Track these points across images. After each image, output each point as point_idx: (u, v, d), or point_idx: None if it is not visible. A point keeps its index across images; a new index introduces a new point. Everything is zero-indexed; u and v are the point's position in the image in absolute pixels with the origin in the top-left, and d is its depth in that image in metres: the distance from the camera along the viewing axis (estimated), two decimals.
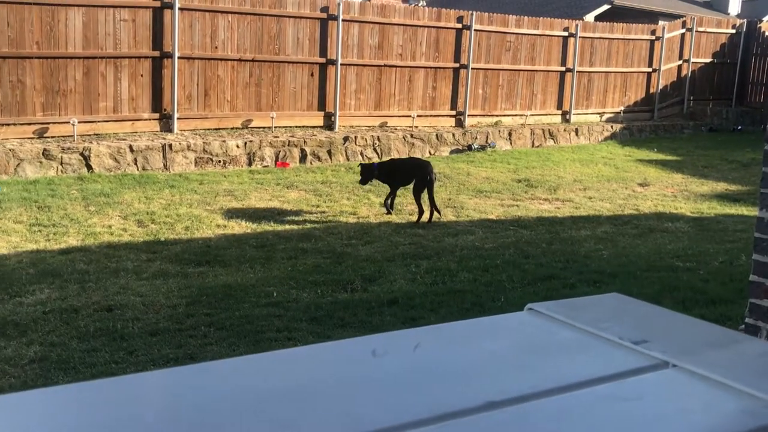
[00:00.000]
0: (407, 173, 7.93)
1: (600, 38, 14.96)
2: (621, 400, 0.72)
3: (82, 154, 9.22)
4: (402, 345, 0.76)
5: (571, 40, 14.39)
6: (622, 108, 15.52)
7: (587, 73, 14.82)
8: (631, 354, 0.81)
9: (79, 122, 9.63)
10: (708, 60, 17.15)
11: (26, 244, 6.35)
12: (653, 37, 15.82)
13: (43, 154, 9.02)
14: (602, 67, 15.06)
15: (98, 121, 9.92)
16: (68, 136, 9.60)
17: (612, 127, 14.83)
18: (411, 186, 7.90)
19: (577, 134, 14.15)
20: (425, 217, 7.69)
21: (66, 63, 9.62)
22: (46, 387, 0.81)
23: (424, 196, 7.71)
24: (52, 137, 9.54)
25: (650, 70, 15.89)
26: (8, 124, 9.32)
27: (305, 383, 0.62)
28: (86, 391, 0.73)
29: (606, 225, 7.93)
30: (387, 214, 7.96)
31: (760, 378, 0.80)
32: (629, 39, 15.43)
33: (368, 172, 8.07)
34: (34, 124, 9.49)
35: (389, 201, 8.02)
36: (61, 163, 9.09)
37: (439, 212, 7.86)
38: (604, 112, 15.28)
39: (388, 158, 9.56)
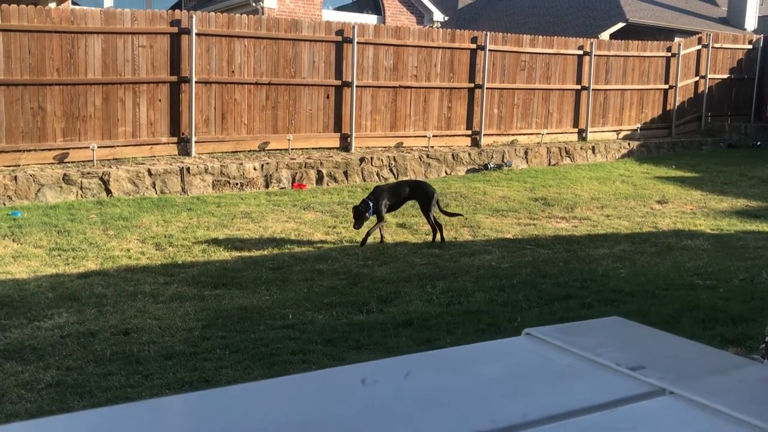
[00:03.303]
0: (401, 196, 7.84)
1: (615, 56, 14.93)
2: (614, 430, 0.70)
3: (101, 179, 9.33)
4: (393, 373, 0.75)
5: (586, 58, 14.38)
6: (639, 125, 15.45)
7: (603, 90, 14.79)
8: (627, 380, 0.80)
9: (98, 147, 9.76)
10: (725, 76, 17.05)
11: (46, 269, 6.42)
12: (669, 54, 15.77)
13: (63, 179, 9.14)
14: (618, 85, 15.03)
15: (117, 146, 10.05)
16: (88, 161, 9.72)
17: (629, 144, 14.75)
18: (418, 205, 7.91)
19: (593, 152, 14.09)
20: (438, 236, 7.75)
21: (86, 89, 9.77)
22: (60, 414, 0.81)
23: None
24: (72, 162, 9.67)
25: (667, 86, 15.82)
26: (29, 150, 9.47)
27: (290, 415, 0.62)
28: (100, 418, 0.73)
29: (624, 243, 7.86)
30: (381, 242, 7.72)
31: (760, 405, 0.78)
32: (645, 56, 15.39)
33: (363, 212, 7.56)
34: (54, 149, 9.64)
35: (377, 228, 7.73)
36: (81, 188, 9.21)
37: (438, 228, 7.79)
38: (620, 130, 15.21)
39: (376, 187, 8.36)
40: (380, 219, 7.62)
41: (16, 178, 8.90)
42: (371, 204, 7.51)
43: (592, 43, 14.53)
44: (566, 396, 0.78)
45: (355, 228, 7.58)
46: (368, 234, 7.55)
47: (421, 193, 7.78)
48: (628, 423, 0.73)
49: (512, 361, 0.84)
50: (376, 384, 0.70)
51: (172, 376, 4.19)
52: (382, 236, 7.77)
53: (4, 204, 8.74)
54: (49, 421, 0.77)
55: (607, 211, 9.64)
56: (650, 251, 7.50)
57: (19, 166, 9.34)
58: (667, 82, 15.80)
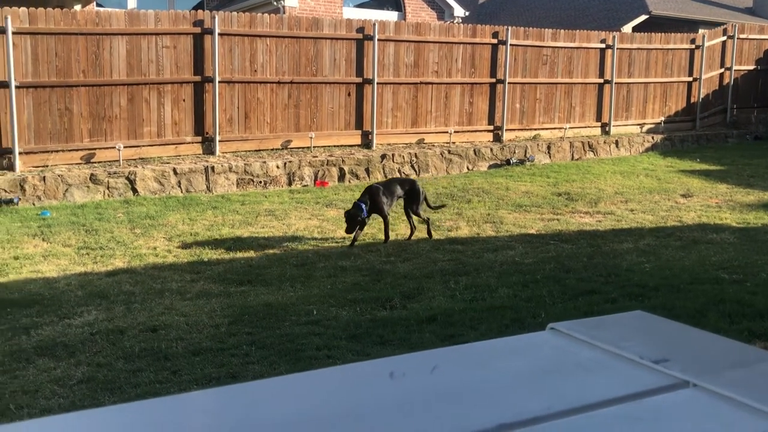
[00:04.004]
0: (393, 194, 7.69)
1: (638, 49, 14.78)
2: (638, 421, 0.72)
3: (127, 178, 9.46)
4: (420, 367, 0.77)
5: (609, 51, 14.26)
6: (663, 118, 15.28)
7: (626, 84, 14.65)
8: (650, 373, 0.81)
9: (124, 147, 9.89)
10: (751, 67, 16.79)
11: (75, 267, 6.53)
12: (693, 46, 15.57)
13: (90, 178, 9.28)
14: (641, 78, 14.88)
15: (143, 146, 10.18)
16: (114, 161, 9.86)
17: (653, 138, 14.61)
18: (417, 204, 7.77)
19: (617, 146, 13.98)
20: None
21: (111, 90, 9.91)
22: (93, 408, 0.85)
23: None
24: (99, 162, 9.81)
25: (691, 79, 15.63)
26: (57, 151, 9.63)
27: (319, 407, 0.64)
28: (131, 412, 0.76)
29: (648, 237, 7.80)
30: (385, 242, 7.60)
31: None
32: (668, 49, 15.22)
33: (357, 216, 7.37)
34: (81, 150, 9.78)
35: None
36: (108, 188, 9.34)
37: (424, 224, 7.79)
38: (644, 123, 15.06)
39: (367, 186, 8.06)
40: (386, 218, 7.55)
41: (44, 178, 9.06)
42: (363, 206, 7.34)
43: (614, 37, 14.39)
44: (591, 388, 0.80)
45: (346, 233, 7.40)
46: (387, 235, 7.57)
47: (412, 191, 7.74)
48: (652, 414, 0.74)
49: (537, 355, 0.85)
50: (404, 378, 0.72)
51: (199, 371, 4.25)
52: (386, 236, 7.60)
53: (34, 204, 8.89)
54: (83, 416, 0.80)
55: (631, 206, 9.57)
56: (675, 245, 7.44)
57: (47, 166, 9.50)
58: (691, 74, 15.60)
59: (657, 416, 0.74)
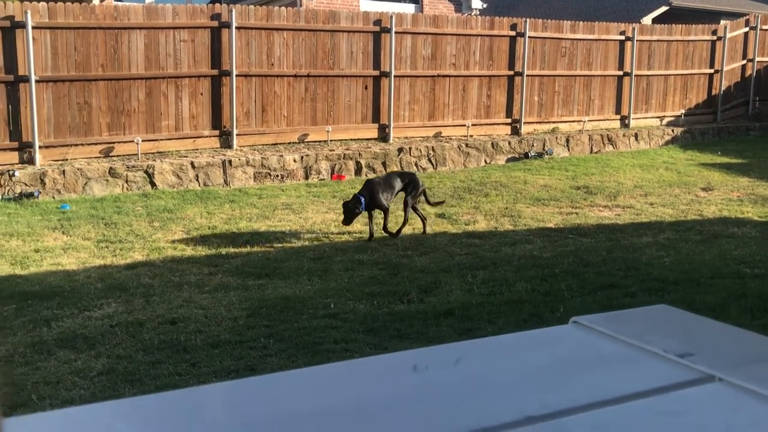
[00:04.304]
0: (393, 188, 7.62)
1: (658, 41, 14.63)
2: (663, 415, 0.71)
3: (146, 172, 9.53)
4: (443, 360, 0.77)
5: (628, 43, 14.12)
6: (683, 111, 15.12)
7: (646, 76, 14.51)
8: (675, 367, 0.81)
9: (142, 141, 9.96)
10: None
11: (94, 260, 6.59)
12: (714, 38, 15.38)
13: (109, 172, 9.36)
14: (661, 70, 14.72)
15: (161, 140, 10.24)
16: (132, 154, 9.93)
17: (673, 130, 14.46)
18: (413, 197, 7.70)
19: (636, 139, 13.85)
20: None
21: (129, 84, 9.97)
22: (113, 399, 0.85)
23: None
24: (118, 156, 9.89)
25: (712, 71, 15.44)
26: (76, 145, 9.71)
27: (343, 400, 0.64)
28: (153, 403, 0.77)
29: (668, 231, 7.73)
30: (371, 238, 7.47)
31: None
32: (689, 40, 15.04)
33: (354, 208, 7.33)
34: (100, 143, 9.86)
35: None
36: (127, 181, 9.41)
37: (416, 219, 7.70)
38: (664, 116, 14.92)
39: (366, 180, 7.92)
40: (386, 210, 7.48)
41: (64, 172, 9.14)
42: (362, 199, 7.28)
43: (634, 28, 14.25)
44: (615, 382, 0.79)
45: (344, 224, 7.39)
46: (385, 226, 7.47)
47: (412, 185, 7.67)
48: (677, 408, 0.74)
49: (560, 349, 0.85)
50: (427, 370, 0.72)
51: (218, 364, 4.28)
52: (385, 226, 7.51)
53: (53, 197, 8.99)
54: (104, 407, 0.80)
55: (651, 199, 9.49)
56: (695, 239, 7.36)
57: (66, 160, 9.59)
58: (712, 66, 15.42)
59: (683, 410, 0.73)
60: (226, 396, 0.72)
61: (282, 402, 0.66)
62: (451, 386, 0.70)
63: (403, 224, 7.70)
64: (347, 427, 0.60)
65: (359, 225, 7.92)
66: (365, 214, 7.57)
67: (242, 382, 0.80)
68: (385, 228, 7.51)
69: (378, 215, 7.86)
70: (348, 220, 7.34)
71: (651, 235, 7.55)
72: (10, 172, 8.91)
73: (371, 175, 10.87)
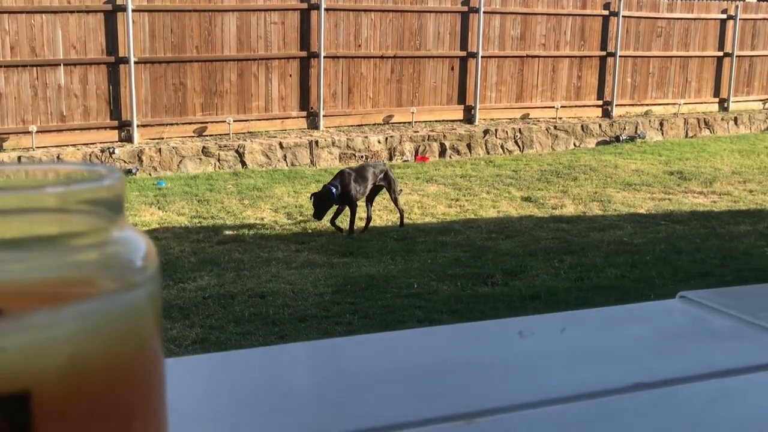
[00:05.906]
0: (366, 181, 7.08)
1: (763, 19, 13.83)
2: None
3: (237, 151, 9.80)
4: (548, 327, 0.77)
5: (730, 22, 13.42)
6: None
7: (748, 57, 13.76)
8: None
9: (233, 121, 10.24)
10: None
11: (189, 234, 6.86)
12: None
13: (202, 151, 9.68)
14: (766, 51, 13.92)
15: (251, 120, 10.50)
16: (224, 134, 10.23)
17: None
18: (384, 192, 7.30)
19: (736, 123, 13.19)
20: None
21: (222, 65, 10.25)
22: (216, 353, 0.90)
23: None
24: (210, 135, 10.21)
25: None
26: (171, 124, 10.09)
27: (451, 359, 0.65)
28: (242, 358, 0.79)
29: None
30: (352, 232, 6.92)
31: None
32: None
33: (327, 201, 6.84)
34: (194, 123, 10.21)
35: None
36: (218, 160, 9.72)
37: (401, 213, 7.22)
38: (767, 99, 14.12)
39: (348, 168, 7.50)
40: (353, 207, 6.93)
41: (160, 150, 9.53)
42: (334, 190, 6.75)
43: (737, 6, 13.51)
44: (726, 355, 0.77)
45: (315, 218, 6.87)
46: (351, 224, 6.91)
47: (388, 180, 7.16)
48: None
49: (668, 322, 0.83)
50: (533, 336, 0.72)
51: (305, 337, 4.39)
52: (369, 221, 7.11)
53: (150, 174, 9.38)
54: (208, 358, 0.84)
55: (751, 186, 9.04)
56: None
57: (162, 138, 9.98)
58: None
59: None
60: (350, 348, 0.74)
61: (383, 360, 0.68)
62: (558, 353, 0.70)
63: (401, 219, 7.20)
64: (459, 384, 0.61)
65: (443, 207, 7.89)
66: (365, 209, 7.15)
67: (352, 339, 0.83)
68: (332, 221, 6.95)
69: (473, 199, 7.81)
70: (319, 214, 6.81)
71: (750, 223, 7.20)
72: (111, 150, 9.36)
73: (455, 158, 10.81)
